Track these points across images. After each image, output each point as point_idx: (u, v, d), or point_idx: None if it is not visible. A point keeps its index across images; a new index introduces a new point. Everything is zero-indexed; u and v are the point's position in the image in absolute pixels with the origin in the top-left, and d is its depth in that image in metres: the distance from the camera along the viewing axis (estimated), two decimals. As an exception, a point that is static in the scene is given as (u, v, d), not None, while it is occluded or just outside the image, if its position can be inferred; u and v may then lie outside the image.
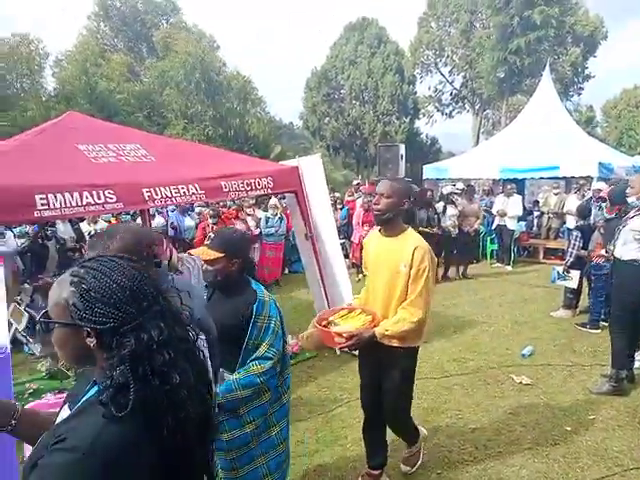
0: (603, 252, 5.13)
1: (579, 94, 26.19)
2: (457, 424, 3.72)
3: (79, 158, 4.00)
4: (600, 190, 6.61)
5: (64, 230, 6.31)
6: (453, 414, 3.88)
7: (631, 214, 4.04)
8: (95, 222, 7.32)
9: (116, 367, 0.99)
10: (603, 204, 6.18)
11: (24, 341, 4.90)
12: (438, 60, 26.66)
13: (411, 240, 2.58)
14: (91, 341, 1.04)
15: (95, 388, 1.05)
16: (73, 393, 1.27)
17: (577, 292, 6.19)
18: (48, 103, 17.81)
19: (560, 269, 6.01)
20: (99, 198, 3.61)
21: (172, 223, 8.30)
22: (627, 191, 4.17)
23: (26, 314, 4.51)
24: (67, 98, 18.10)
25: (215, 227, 7.85)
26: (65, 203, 3.44)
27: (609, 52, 53.90)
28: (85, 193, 3.55)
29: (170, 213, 8.64)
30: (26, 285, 4.70)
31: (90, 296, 1.03)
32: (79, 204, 3.52)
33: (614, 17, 54.07)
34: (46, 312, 1.12)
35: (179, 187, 4.12)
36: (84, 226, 7.24)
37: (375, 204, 2.59)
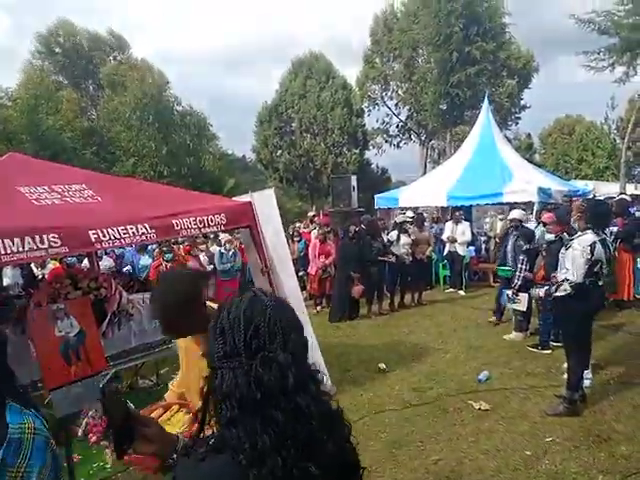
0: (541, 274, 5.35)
1: (517, 123, 27.73)
2: (420, 456, 3.71)
3: (20, 201, 3.83)
4: (517, 218, 6.90)
5: (11, 275, 5.98)
6: (415, 446, 3.86)
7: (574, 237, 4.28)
8: (43, 266, 7.00)
9: (221, 400, 0.99)
10: (543, 228, 6.51)
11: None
12: (384, 94, 27.64)
13: None
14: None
15: None
16: None
17: (527, 314, 6.39)
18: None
19: (510, 292, 6.21)
20: (42, 243, 3.45)
21: (131, 261, 8.08)
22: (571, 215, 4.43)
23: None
24: (9, 138, 17.45)
25: (168, 265, 7.67)
26: (5, 250, 3.26)
27: (543, 84, 57.74)
28: (27, 238, 3.38)
29: (126, 252, 8.40)
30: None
31: (215, 333, 1.04)
32: (20, 250, 3.35)
33: (544, 52, 58.34)
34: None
35: (128, 227, 4.00)
36: (34, 269, 6.92)
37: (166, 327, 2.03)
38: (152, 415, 2.17)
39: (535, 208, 10.08)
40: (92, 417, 4.53)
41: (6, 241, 3.28)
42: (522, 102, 26.32)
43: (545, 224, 6.43)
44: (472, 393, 4.80)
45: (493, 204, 11.25)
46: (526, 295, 5.92)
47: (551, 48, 66.87)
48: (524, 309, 6.16)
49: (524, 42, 25.07)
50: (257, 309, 1.01)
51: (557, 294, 4.20)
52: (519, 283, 6.02)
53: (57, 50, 28.57)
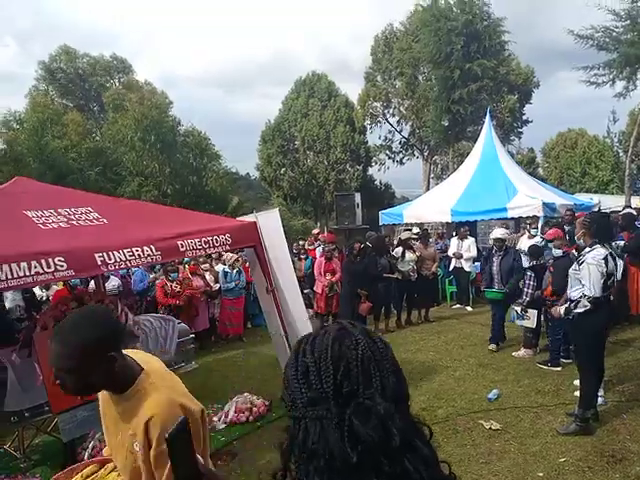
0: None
1: (519, 138, 27.87)
2: (431, 478, 3.63)
3: (27, 225, 3.86)
4: (500, 238, 6.79)
5: (12, 299, 5.98)
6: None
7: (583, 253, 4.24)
8: (47, 288, 7.01)
9: (284, 455, 0.86)
10: (550, 244, 6.47)
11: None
12: (386, 111, 27.91)
13: (147, 405, 1.58)
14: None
15: None
16: None
17: (536, 331, 6.32)
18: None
19: (518, 309, 6.15)
20: (48, 266, 3.46)
21: (141, 279, 8.13)
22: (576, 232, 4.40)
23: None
24: (16, 159, 17.66)
25: (173, 284, 7.67)
26: (12, 274, 3.28)
27: (544, 99, 58.21)
28: (33, 262, 3.40)
29: (136, 270, 8.43)
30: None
31: (288, 374, 0.90)
32: (27, 274, 3.36)
33: (545, 68, 59.09)
34: None
35: (133, 249, 4.02)
36: (37, 291, 6.92)
37: (62, 384, 1.54)
38: (86, 471, 1.95)
39: (540, 223, 10.06)
40: (99, 440, 4.50)
41: (13, 265, 3.30)
42: (524, 117, 26.50)
43: (550, 240, 6.41)
44: (482, 412, 4.73)
45: (498, 219, 11.23)
46: (535, 312, 5.86)
47: (551, 63, 67.56)
48: (533, 326, 6.09)
49: (524, 58, 25.37)
50: (347, 344, 0.84)
51: (577, 311, 4.13)
52: (527, 299, 5.96)
53: (60, 75, 29.19)
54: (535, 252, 6.21)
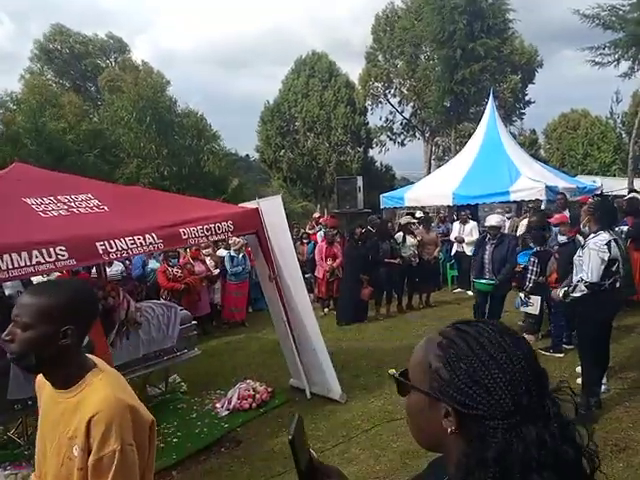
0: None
1: (521, 119, 27.59)
2: (435, 466, 3.65)
3: (26, 213, 3.81)
4: (495, 226, 6.40)
5: (12, 285, 5.94)
6: (429, 457, 3.79)
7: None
8: (48, 274, 6.95)
9: (473, 470, 0.77)
10: (555, 229, 6.43)
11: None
12: (387, 92, 27.55)
13: (91, 401, 1.39)
14: (449, 423, 0.81)
15: None
16: None
17: (539, 317, 6.31)
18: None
19: (522, 295, 6.13)
20: (50, 256, 3.42)
21: (144, 261, 8.11)
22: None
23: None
24: (13, 140, 17.47)
25: (174, 269, 7.64)
26: (12, 264, 3.24)
27: (546, 80, 57.50)
28: (34, 251, 3.35)
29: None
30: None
31: (458, 367, 0.81)
32: (28, 264, 3.32)
33: (548, 47, 58.10)
34: (402, 370, 0.92)
35: (135, 237, 3.97)
36: (36, 279, 6.87)
37: (10, 340, 1.39)
38: None
39: (543, 207, 10.00)
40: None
41: (13, 255, 3.25)
42: (526, 97, 26.21)
43: (555, 225, 6.37)
44: (485, 399, 4.73)
45: (500, 202, 11.16)
46: (538, 298, 5.84)
47: (555, 43, 66.54)
48: (537, 312, 6.07)
49: (527, 37, 24.96)
50: (514, 346, 0.83)
51: (574, 294, 4.15)
52: (530, 285, 5.94)
53: (56, 55, 28.76)
54: (539, 238, 6.16)
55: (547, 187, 9.91)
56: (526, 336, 6.35)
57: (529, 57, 25.25)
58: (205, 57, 78.25)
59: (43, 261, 3.39)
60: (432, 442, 0.89)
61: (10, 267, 3.23)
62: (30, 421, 4.53)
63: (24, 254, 3.30)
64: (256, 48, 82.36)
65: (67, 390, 1.45)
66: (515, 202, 11.33)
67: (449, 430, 0.81)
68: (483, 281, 6.40)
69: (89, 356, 1.56)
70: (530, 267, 6.01)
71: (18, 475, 3.70)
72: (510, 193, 10.31)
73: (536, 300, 5.91)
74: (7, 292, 5.89)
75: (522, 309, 6.33)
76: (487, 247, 6.44)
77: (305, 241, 9.94)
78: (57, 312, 1.39)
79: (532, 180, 10.35)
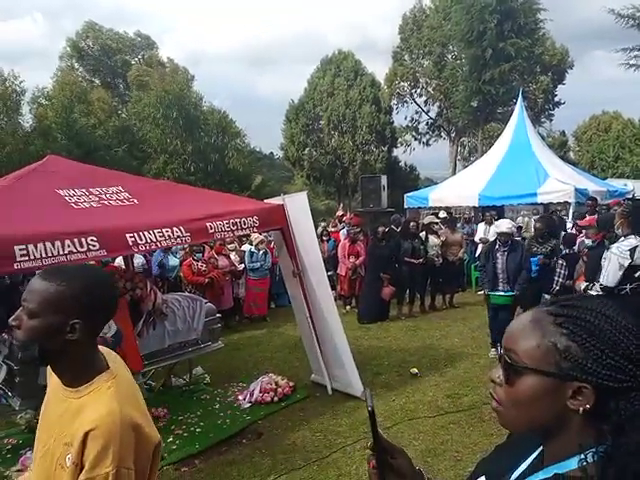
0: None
1: (550, 120, 27.11)
2: (456, 467, 3.63)
3: (60, 204, 3.91)
4: (507, 232, 5.94)
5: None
6: (451, 456, 3.78)
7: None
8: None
9: (615, 436, 0.76)
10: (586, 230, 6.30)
11: (1, 393, 4.67)
12: (413, 91, 27.40)
13: (93, 410, 1.23)
14: (580, 402, 0.79)
15: (572, 461, 0.81)
16: (491, 469, 1.01)
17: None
18: (26, 139, 17.64)
19: (548, 297, 6.02)
20: (81, 246, 3.51)
21: (160, 261, 8.16)
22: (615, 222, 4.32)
23: (4, 366, 4.29)
24: (45, 134, 17.94)
25: (199, 263, 7.74)
26: (46, 253, 3.34)
27: (577, 80, 56.26)
28: (67, 241, 3.45)
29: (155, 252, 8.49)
30: (4, 335, 4.50)
31: (594, 344, 0.78)
32: (60, 253, 3.41)
33: (580, 48, 56.75)
34: (508, 354, 0.86)
35: (163, 230, 4.04)
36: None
37: (16, 326, 1.27)
38: None
39: (571, 210, 9.81)
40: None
41: (47, 244, 3.35)
42: (556, 98, 25.70)
43: (583, 228, 6.25)
44: (508, 402, 4.67)
45: (527, 204, 10.98)
46: (565, 301, 5.71)
47: (586, 43, 65.04)
48: (563, 316, 5.95)
49: (559, 38, 24.48)
50: (635, 315, 0.83)
51: (590, 292, 4.12)
52: (557, 289, 5.83)
53: (87, 52, 29.46)
54: (568, 240, 6.04)
55: (576, 190, 9.71)
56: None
57: (560, 58, 24.79)
58: (231, 56, 78.98)
59: (75, 251, 3.48)
60: (543, 426, 0.85)
61: (44, 255, 3.33)
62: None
63: (57, 243, 3.40)
64: (282, 47, 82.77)
65: (73, 389, 1.30)
66: (542, 204, 11.13)
67: (580, 410, 0.79)
68: (500, 293, 5.88)
69: (104, 352, 1.40)
70: (558, 270, 5.89)
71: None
72: (537, 195, 10.15)
73: (563, 303, 5.79)
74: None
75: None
76: (498, 255, 5.92)
77: (325, 239, 9.95)
78: (66, 303, 1.24)
79: (561, 182, 10.16)
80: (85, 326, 1.26)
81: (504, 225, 6.04)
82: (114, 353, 1.48)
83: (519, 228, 11.64)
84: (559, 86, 25.47)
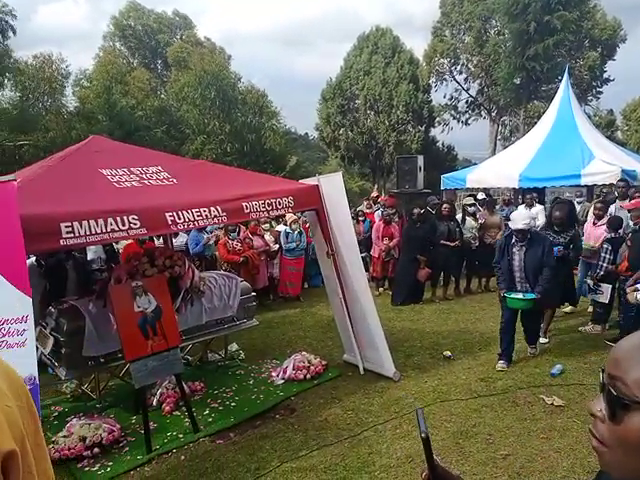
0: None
1: (597, 98, 25.85)
2: (488, 449, 3.62)
3: (103, 183, 4.04)
4: (524, 229, 4.96)
5: (94, 250, 6.35)
6: (483, 438, 3.77)
7: None
8: (117, 242, 7.37)
9: None
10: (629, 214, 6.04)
11: (49, 363, 4.93)
12: (453, 68, 26.63)
13: None
14: None
15: None
16: None
17: (607, 307, 6.01)
18: (69, 122, 18.18)
19: (591, 282, 5.84)
20: (123, 224, 3.62)
21: (200, 239, 8.35)
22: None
23: (51, 337, 4.53)
24: (88, 117, 18.44)
25: (234, 242, 7.87)
26: (90, 230, 3.46)
27: (629, 55, 53.13)
28: (110, 219, 3.56)
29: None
30: (51, 308, 4.73)
31: None
32: (104, 230, 3.54)
33: (632, 20, 53.23)
34: (613, 384, 0.70)
35: (201, 210, 4.12)
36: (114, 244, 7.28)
37: None
38: None
39: (616, 193, 9.39)
40: (166, 388, 4.80)
41: (91, 222, 3.47)
42: (605, 75, 24.46)
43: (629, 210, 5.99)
44: (544, 387, 4.61)
45: (570, 186, 10.59)
46: (609, 287, 5.53)
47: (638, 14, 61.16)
48: (606, 301, 5.76)
49: (610, 9, 23.16)
50: None
51: None
52: (601, 273, 5.64)
53: (129, 32, 29.92)
54: (614, 223, 5.81)
55: (623, 171, 9.29)
56: (592, 325, 6.10)
57: (611, 32, 23.48)
58: (267, 35, 78.35)
59: (117, 229, 3.60)
60: None
61: (88, 233, 3.46)
62: (102, 377, 4.88)
63: (100, 221, 3.52)
64: (318, 25, 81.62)
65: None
66: (586, 186, 10.71)
67: None
68: (518, 296, 5.02)
69: None
70: (602, 254, 5.70)
71: (91, 425, 4.01)
72: (582, 176, 9.75)
73: (606, 288, 5.62)
74: (89, 256, 6.29)
75: (589, 297, 6.04)
76: (515, 251, 5.09)
77: (361, 219, 9.90)
78: None
79: (607, 163, 9.72)
80: None
81: (519, 221, 4.96)
82: None
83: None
84: (609, 62, 24.19)
